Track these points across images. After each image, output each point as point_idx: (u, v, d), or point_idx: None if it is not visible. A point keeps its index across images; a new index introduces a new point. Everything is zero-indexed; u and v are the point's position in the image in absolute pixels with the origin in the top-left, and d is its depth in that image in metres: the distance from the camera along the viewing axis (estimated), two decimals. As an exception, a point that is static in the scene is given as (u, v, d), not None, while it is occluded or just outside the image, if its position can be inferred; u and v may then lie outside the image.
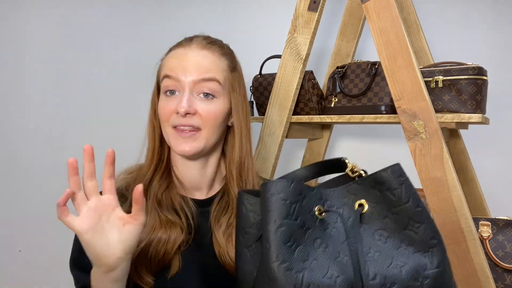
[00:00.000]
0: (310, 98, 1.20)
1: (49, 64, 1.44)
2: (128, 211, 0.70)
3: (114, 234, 0.66)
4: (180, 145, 0.81)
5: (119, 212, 0.67)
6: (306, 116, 1.20)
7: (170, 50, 0.87)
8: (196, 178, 0.87)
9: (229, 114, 0.86)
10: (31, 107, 1.44)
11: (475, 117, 0.95)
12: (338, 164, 0.71)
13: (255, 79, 1.31)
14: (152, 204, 0.82)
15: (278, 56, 1.21)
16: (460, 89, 0.96)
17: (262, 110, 1.32)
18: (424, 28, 1.26)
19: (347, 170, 0.69)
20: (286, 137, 1.20)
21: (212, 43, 0.86)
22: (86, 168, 0.65)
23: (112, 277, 0.67)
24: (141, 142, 0.89)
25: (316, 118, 1.18)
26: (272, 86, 1.20)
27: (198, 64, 0.81)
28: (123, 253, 0.66)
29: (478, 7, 1.33)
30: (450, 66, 1.00)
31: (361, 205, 0.65)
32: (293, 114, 1.20)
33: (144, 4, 1.50)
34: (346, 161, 0.69)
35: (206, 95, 0.82)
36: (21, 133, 1.43)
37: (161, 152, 0.87)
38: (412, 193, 0.63)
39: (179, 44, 0.86)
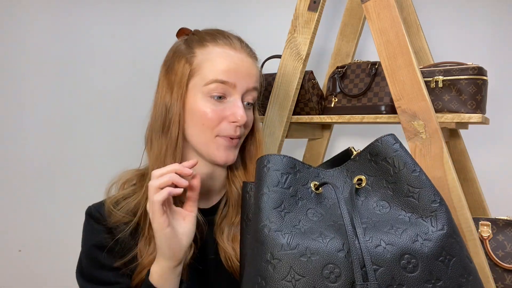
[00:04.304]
0: (310, 98, 1.20)
1: (47, 64, 1.44)
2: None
3: (179, 228, 0.68)
4: (225, 153, 0.76)
5: (175, 207, 0.69)
6: (306, 116, 1.20)
7: (206, 44, 0.78)
8: (206, 184, 0.83)
9: None
10: (30, 107, 1.44)
11: (475, 117, 0.95)
12: (348, 155, 0.72)
13: (255, 79, 1.31)
14: None
15: (278, 56, 1.21)
16: (460, 89, 0.96)
17: (262, 110, 1.32)
18: (424, 28, 1.26)
19: (352, 157, 0.70)
20: (286, 137, 1.20)
21: (252, 50, 0.83)
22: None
23: (178, 270, 0.70)
24: (137, 144, 0.85)
25: (316, 118, 1.18)
26: (272, 86, 1.20)
27: (250, 72, 0.78)
28: (188, 245, 0.69)
29: (478, 7, 1.33)
30: (450, 66, 1.00)
31: (359, 180, 0.66)
32: (293, 114, 1.20)
33: (142, 2, 1.50)
34: (352, 149, 0.72)
35: (248, 103, 0.79)
36: (21, 133, 1.43)
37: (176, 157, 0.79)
38: (407, 159, 0.63)
39: (223, 42, 0.78)
